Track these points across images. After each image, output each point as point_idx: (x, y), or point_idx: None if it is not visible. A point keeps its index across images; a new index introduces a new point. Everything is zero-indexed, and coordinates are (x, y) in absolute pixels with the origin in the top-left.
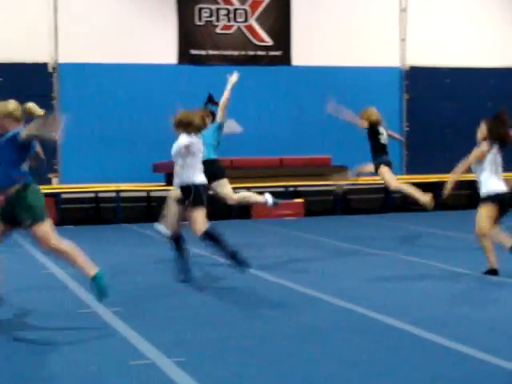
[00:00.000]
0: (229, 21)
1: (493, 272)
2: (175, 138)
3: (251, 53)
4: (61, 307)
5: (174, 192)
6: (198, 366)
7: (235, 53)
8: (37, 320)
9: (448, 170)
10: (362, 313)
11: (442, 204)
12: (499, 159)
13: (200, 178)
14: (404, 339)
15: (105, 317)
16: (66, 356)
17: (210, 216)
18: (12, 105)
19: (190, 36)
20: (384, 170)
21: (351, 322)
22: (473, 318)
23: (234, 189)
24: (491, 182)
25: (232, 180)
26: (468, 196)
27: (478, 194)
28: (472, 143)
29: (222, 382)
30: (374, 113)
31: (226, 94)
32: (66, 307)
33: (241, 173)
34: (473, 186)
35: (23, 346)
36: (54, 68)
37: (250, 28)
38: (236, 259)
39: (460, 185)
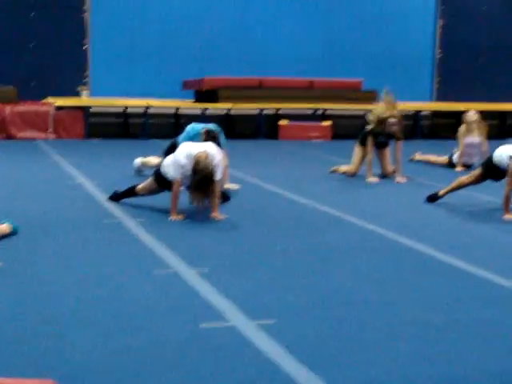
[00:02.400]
0: None
1: None
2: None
3: None
4: (86, 217)
5: None
6: (220, 277)
7: None
8: (62, 228)
9: (479, 99)
10: (384, 234)
11: None
12: None
13: None
14: (424, 262)
15: (130, 227)
16: (92, 264)
17: (239, 135)
18: None
19: None
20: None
21: (374, 243)
22: (497, 243)
23: (262, 109)
24: None
25: (261, 100)
26: (496, 126)
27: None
28: (506, 73)
29: (243, 292)
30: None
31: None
32: (92, 217)
33: (270, 93)
34: (502, 116)
35: (49, 252)
36: None
37: None
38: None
39: (489, 115)
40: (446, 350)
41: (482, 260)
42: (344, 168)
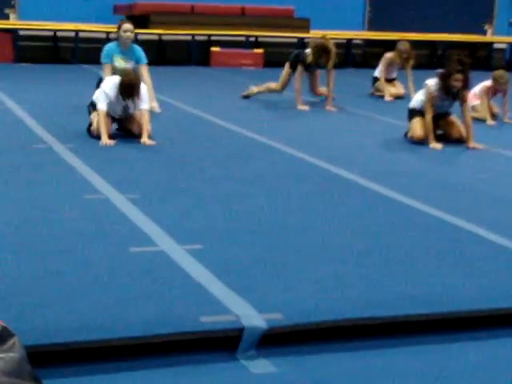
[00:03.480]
0: None
1: None
2: None
3: None
4: (16, 141)
5: None
6: (149, 204)
7: None
8: None
9: (411, 28)
10: (312, 162)
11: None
12: None
13: None
14: (350, 188)
15: (60, 153)
16: (21, 188)
17: (170, 61)
18: None
19: None
20: None
21: (301, 170)
22: (420, 171)
23: (194, 36)
24: None
25: (193, 26)
26: (427, 56)
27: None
28: (438, 4)
29: (172, 218)
30: None
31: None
32: (21, 142)
33: (202, 20)
34: (433, 46)
35: None
36: None
37: None
38: None
39: (420, 45)
40: (367, 274)
41: (405, 187)
42: (256, 88)
